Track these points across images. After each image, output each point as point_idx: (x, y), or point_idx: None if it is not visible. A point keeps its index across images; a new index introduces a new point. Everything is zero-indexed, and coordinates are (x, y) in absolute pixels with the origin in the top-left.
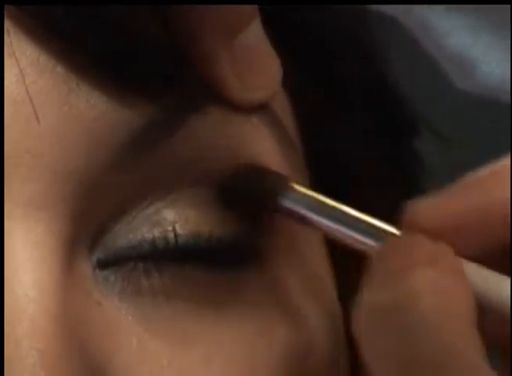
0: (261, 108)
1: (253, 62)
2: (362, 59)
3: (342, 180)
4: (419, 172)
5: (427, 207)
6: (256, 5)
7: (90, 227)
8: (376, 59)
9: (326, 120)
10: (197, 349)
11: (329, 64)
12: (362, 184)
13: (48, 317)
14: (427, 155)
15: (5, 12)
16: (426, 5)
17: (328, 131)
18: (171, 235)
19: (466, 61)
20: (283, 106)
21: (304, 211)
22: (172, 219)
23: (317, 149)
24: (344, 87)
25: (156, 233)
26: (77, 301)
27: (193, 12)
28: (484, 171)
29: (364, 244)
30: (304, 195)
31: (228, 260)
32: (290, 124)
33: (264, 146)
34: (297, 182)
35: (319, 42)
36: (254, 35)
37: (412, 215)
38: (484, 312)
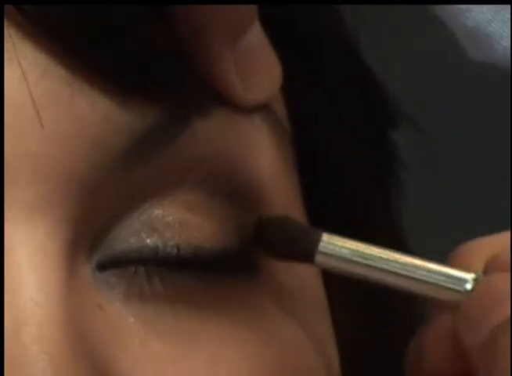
0: (263, 108)
1: (255, 62)
2: (349, 53)
3: (323, 175)
4: (396, 166)
5: None
6: (256, 6)
7: (91, 230)
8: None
9: (314, 115)
10: (202, 351)
11: (317, 59)
12: (348, 183)
13: (56, 322)
14: (405, 148)
15: (6, 16)
16: None
17: (312, 126)
18: (171, 243)
19: (484, 36)
20: (279, 106)
21: (342, 265)
22: (173, 226)
23: (302, 143)
24: (333, 82)
25: (157, 239)
26: (80, 305)
27: (196, 12)
28: None
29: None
30: (340, 247)
31: (230, 267)
32: (286, 123)
33: (266, 146)
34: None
35: (305, 39)
36: (255, 36)
37: None
38: None
